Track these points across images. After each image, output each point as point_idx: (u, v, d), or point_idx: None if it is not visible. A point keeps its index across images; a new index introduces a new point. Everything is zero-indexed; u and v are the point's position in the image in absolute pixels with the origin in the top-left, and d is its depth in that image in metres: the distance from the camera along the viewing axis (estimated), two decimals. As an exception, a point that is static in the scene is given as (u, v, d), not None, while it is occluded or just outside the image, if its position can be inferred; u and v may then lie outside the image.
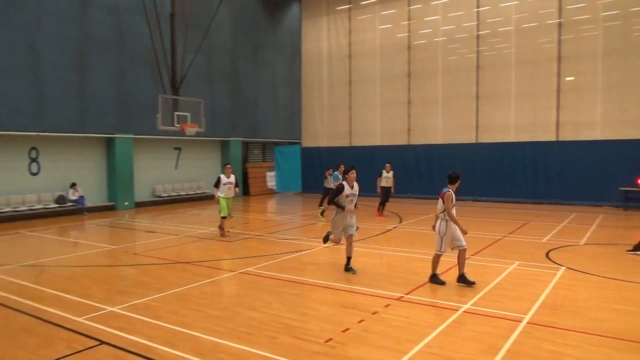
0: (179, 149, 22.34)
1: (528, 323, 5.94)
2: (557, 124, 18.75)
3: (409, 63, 22.17)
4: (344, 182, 8.43)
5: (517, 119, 19.61)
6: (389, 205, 16.81)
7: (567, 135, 18.59)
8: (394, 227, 13.85)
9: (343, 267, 8.67)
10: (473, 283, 7.49)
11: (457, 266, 7.73)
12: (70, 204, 17.43)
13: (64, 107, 16.95)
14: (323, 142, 25.27)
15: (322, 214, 15.41)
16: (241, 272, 8.70)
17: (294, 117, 27.41)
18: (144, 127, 19.17)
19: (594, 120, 18.13)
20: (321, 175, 24.17)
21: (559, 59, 18.56)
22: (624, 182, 17.02)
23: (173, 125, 16.93)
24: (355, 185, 8.52)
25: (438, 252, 7.66)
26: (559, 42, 18.53)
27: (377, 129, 23.38)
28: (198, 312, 6.55)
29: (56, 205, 17.16)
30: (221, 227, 12.46)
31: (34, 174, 16.90)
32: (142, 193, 20.46)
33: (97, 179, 19.00)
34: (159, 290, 7.56)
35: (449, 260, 8.52)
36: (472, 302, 6.79)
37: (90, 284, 8.05)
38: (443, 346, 5.32)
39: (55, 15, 16.59)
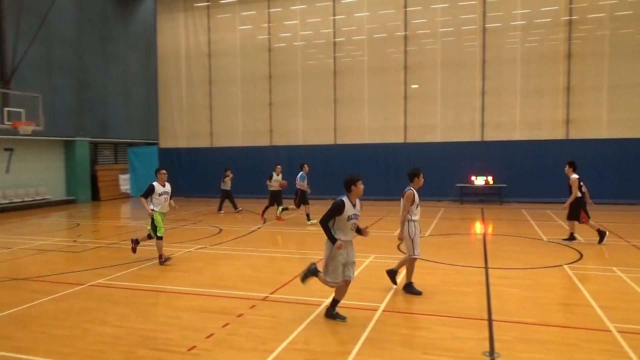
0: (10, 149, 19.54)
1: (384, 311, 6.35)
2: (405, 127, 20.54)
3: (269, 65, 22.38)
4: (345, 198, 5.86)
5: (371, 122, 21.02)
6: (251, 206, 16.76)
7: (414, 138, 20.46)
8: (258, 228, 13.83)
9: (210, 274, 8.37)
10: (420, 293, 7.03)
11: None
12: None
13: None
14: (182, 143, 24.25)
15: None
16: (91, 285, 7.88)
17: (150, 116, 25.85)
18: (-36, 125, 16.39)
19: (435, 124, 20.24)
20: (183, 176, 23.29)
21: (405, 68, 20.34)
22: (460, 179, 19.31)
23: (3, 123, 14.76)
24: (358, 202, 6.12)
25: (412, 257, 7.09)
26: (405, 52, 20.31)
27: (239, 129, 23.18)
28: (39, 334, 5.75)
29: None
30: (161, 256, 9.39)
31: None
32: (-38, 202, 17.47)
33: None
34: (-14, 313, 6.48)
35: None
36: (333, 296, 7.04)
37: None
38: (307, 341, 5.42)
39: None
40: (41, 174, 20.87)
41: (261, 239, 12.41)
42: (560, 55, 18.55)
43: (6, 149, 19.32)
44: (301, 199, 14.16)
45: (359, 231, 6.13)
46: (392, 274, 7.52)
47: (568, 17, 18.36)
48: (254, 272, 8.67)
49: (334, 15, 21.26)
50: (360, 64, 21.07)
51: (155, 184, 9.60)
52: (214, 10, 23.30)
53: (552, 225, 13.55)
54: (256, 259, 9.95)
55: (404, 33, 20.31)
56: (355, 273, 8.33)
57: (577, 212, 10.80)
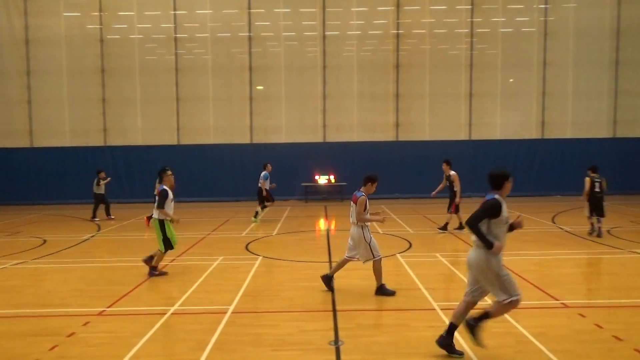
0: None
1: (233, 313, 6.26)
2: (251, 128, 20.61)
3: (102, 58, 20.47)
4: (498, 197, 4.73)
5: (216, 122, 20.62)
6: (84, 213, 15.14)
7: (260, 138, 20.64)
8: (91, 237, 12.55)
9: (31, 292, 7.28)
10: (394, 293, 6.95)
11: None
12: None
13: None
14: (-6, 143, 20.81)
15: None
16: None
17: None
18: None
19: (280, 125, 20.69)
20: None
21: (250, 69, 20.41)
22: (305, 178, 20.05)
23: None
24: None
25: (376, 259, 6.94)
26: (250, 53, 20.37)
27: (66, 128, 20.72)
28: None
29: None
30: (156, 267, 8.22)
31: None
32: None
33: None
34: None
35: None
36: (179, 303, 6.72)
37: None
38: (152, 353, 5.06)
39: None
40: None
41: (96, 248, 11.27)
42: (390, 65, 20.48)
43: None
44: (262, 196, 14.39)
45: (511, 228, 4.91)
46: (327, 279, 7.30)
47: (396, 31, 20.36)
48: (87, 286, 7.82)
49: (175, 9, 20.34)
50: (203, 63, 20.52)
51: (166, 188, 8.14)
52: (32, -9, 20.47)
53: (388, 219, 14.80)
54: (89, 270, 8.99)
55: (248, 34, 20.35)
56: (203, 277, 8.13)
57: (452, 203, 11.97)
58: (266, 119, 20.69)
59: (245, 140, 20.66)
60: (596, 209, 11.30)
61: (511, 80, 20.73)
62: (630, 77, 20.75)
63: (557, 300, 6.65)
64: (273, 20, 20.46)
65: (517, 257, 9.31)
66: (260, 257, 9.55)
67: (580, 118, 20.88)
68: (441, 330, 5.03)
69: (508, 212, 4.78)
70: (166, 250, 8.25)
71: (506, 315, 6.01)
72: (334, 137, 20.66)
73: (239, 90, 20.51)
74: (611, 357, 4.87)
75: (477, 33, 20.50)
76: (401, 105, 20.56)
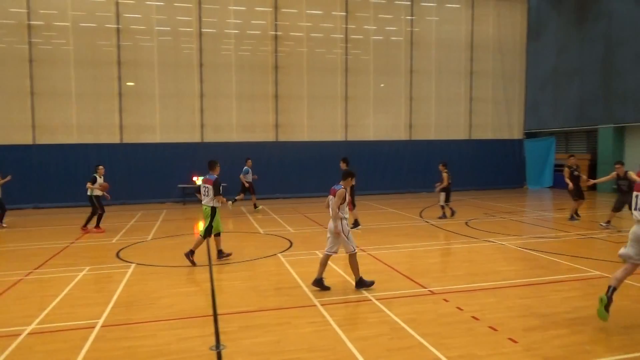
0: None
1: (103, 326, 5.76)
2: (121, 127, 19.20)
3: None
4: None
5: (80, 120, 18.82)
6: None
7: (131, 138, 19.30)
8: None
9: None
10: (372, 283, 7.19)
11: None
12: None
13: None
14: None
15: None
16: None
17: None
18: None
19: (154, 124, 19.58)
20: None
21: (119, 63, 19.00)
22: (182, 180, 19.21)
23: None
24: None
25: (353, 252, 7.06)
26: (119, 47, 18.97)
27: None
28: None
29: None
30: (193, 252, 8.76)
31: None
32: None
33: None
34: None
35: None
36: (37, 321, 6.00)
37: None
38: (2, 381, 4.44)
39: None
40: None
41: None
42: (269, 66, 20.55)
43: None
44: (244, 189, 16.54)
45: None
46: (319, 283, 7.12)
47: (274, 32, 20.49)
48: None
49: (28, -7, 18.16)
50: (64, 54, 18.59)
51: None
52: None
53: (267, 219, 14.85)
54: None
55: (116, 26, 18.93)
56: (67, 290, 7.35)
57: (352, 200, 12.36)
58: (138, 118, 19.41)
59: (115, 140, 19.19)
60: (448, 198, 14.08)
61: (382, 85, 22.08)
62: (481, 85, 23.40)
63: (425, 288, 7.22)
64: (145, 13, 19.27)
65: (389, 250, 9.92)
66: (134, 265, 8.93)
67: (441, 121, 23.01)
68: (323, 326, 5.16)
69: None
70: (206, 237, 8.86)
71: (380, 305, 6.38)
72: (212, 137, 20.12)
73: (106, 86, 18.94)
74: (470, 335, 5.40)
75: (352, 39, 21.49)
76: (280, 106, 20.75)
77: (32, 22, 18.24)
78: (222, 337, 5.41)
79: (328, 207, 7.21)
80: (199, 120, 19.98)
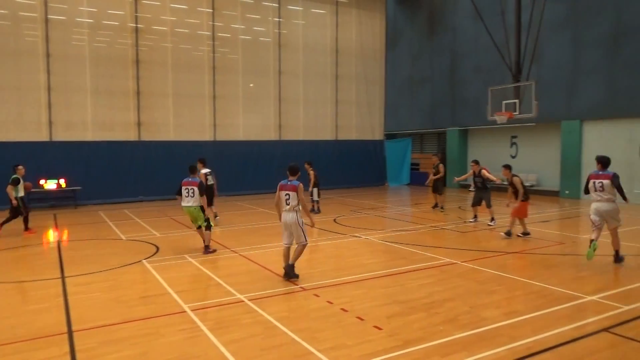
0: None
1: None
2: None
3: None
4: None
5: None
6: None
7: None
8: None
9: None
10: (297, 276, 7.59)
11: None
12: None
13: None
14: None
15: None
16: None
17: None
18: None
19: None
20: None
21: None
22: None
23: None
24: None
25: (305, 243, 7.65)
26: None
27: None
28: None
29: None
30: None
31: None
32: None
33: None
34: None
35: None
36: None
37: None
38: None
39: None
40: None
41: None
42: (129, 60, 19.15)
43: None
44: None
45: None
46: (289, 272, 7.58)
47: (134, 25, 19.18)
48: None
49: None
50: None
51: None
52: None
53: (130, 224, 13.86)
54: None
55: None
56: None
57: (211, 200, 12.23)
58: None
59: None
60: (318, 194, 15.34)
61: (251, 85, 22.00)
62: (345, 88, 24.61)
63: (297, 285, 7.35)
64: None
65: (260, 250, 9.93)
66: (-35, 283, 7.67)
67: (310, 122, 23.69)
68: (193, 332, 4.94)
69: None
70: (209, 228, 9.80)
71: (253, 306, 6.35)
72: (63, 135, 18.11)
73: None
74: (340, 326, 5.63)
75: (219, 37, 21.04)
76: (143, 103, 19.48)
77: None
78: (79, 355, 4.89)
79: (279, 203, 7.76)
80: (46, 117, 17.87)
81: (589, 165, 18.36)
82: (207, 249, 9.73)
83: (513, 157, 22.01)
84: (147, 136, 19.64)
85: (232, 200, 19.34)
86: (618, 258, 8.48)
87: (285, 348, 5.04)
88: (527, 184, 20.61)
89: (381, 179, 26.02)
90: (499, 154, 22.32)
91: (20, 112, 17.48)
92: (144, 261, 9.04)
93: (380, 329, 5.53)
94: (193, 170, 10.09)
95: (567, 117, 19.06)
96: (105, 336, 5.39)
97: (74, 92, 18.27)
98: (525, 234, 10.98)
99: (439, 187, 16.06)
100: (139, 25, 19.28)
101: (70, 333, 5.49)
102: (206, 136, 20.94)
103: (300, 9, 23.16)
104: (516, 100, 16.71)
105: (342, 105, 24.60)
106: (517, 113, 16.60)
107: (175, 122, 20.22)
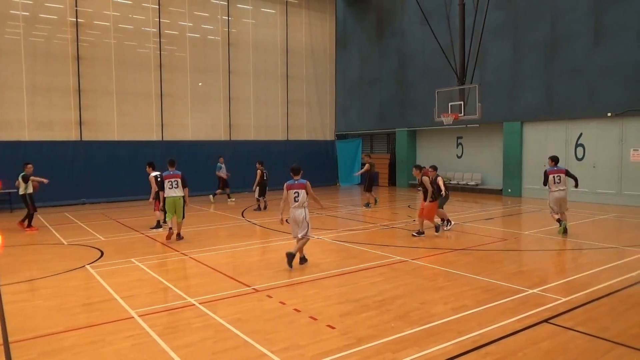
0: None
1: None
2: None
3: None
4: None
5: None
6: None
7: None
8: None
9: None
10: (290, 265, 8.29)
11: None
12: None
13: None
14: None
15: None
16: None
17: None
18: None
19: None
20: None
21: None
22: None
23: None
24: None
25: (309, 237, 8.57)
26: None
27: None
28: None
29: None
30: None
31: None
32: None
33: None
34: None
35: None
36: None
37: None
38: None
39: None
40: None
41: None
42: (69, 56, 18.27)
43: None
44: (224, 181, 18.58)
45: None
46: (290, 259, 8.25)
47: (74, 19, 18.31)
48: None
49: None
50: None
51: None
52: None
53: (72, 227, 13.23)
54: None
55: None
56: None
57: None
58: None
59: None
60: (263, 192, 16.25)
61: (200, 84, 21.55)
62: (296, 89, 24.60)
63: (249, 286, 7.26)
64: None
65: (211, 252, 9.75)
66: None
67: (261, 122, 23.48)
68: (142, 338, 4.77)
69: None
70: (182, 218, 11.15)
71: (204, 309, 6.23)
72: (-3, 135, 17.07)
73: None
74: (293, 327, 5.61)
75: (166, 34, 20.47)
76: (85, 101, 18.63)
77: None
78: (16, 368, 4.61)
79: (286, 201, 8.49)
80: (-22, 116, 16.74)
81: (530, 165, 19.33)
82: (179, 236, 11.00)
83: (459, 157, 22.80)
84: (89, 136, 18.80)
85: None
86: (562, 226, 10.85)
87: (237, 351, 4.97)
88: (472, 183, 21.63)
89: (333, 179, 26.21)
90: (445, 154, 23.04)
91: (-52, 109, 16.30)
92: (87, 266, 8.65)
93: (333, 328, 5.56)
94: (172, 164, 11.08)
95: (509, 118, 19.94)
96: (46, 346, 5.11)
97: (9, 89, 17.23)
98: (420, 233, 11.12)
99: (370, 185, 16.95)
100: (79, 20, 18.43)
101: (6, 345, 5.16)
102: (153, 136, 20.31)
103: (250, 8, 22.93)
104: (461, 102, 17.28)
105: (293, 106, 24.58)
106: (462, 114, 17.18)
107: (119, 122, 19.48)
